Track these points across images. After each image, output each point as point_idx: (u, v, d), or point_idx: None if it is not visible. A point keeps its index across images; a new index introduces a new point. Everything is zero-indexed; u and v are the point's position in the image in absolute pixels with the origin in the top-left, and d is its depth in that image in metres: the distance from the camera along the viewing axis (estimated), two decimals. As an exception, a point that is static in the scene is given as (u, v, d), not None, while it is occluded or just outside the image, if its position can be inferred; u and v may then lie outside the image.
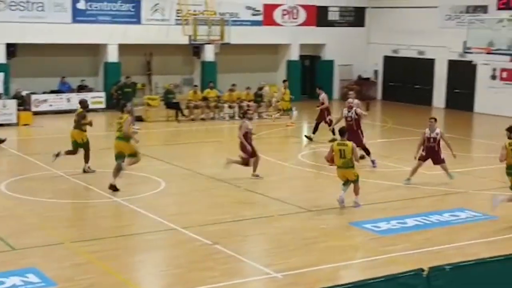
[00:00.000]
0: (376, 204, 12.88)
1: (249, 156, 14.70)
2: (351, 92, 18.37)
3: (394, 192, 13.92)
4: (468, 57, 23.61)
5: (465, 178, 15.19)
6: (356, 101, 17.30)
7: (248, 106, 22.14)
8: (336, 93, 30.13)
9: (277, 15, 28.46)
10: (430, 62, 28.19)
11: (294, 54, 29.17)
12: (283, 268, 9.31)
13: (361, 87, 29.34)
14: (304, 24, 29.08)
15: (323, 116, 19.86)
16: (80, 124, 15.05)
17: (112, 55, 25.48)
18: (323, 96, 20.18)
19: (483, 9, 25.75)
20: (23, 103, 23.14)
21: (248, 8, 27.75)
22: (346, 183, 12.64)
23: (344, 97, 29.72)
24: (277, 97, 25.16)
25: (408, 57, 28.93)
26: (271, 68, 29.68)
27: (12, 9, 23.55)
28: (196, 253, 9.97)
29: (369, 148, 16.41)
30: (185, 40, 24.75)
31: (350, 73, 30.50)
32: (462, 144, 19.91)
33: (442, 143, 14.57)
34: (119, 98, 22.55)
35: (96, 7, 24.93)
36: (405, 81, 28.52)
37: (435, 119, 14.78)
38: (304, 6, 28.98)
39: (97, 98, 25.04)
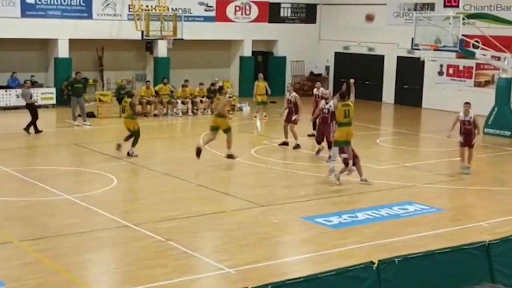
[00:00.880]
0: (328, 199, 13.06)
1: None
2: (318, 83, 19.42)
3: (345, 186, 14.13)
4: (416, 54, 24.04)
5: (413, 172, 15.53)
6: (324, 90, 18.23)
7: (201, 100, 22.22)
8: (288, 89, 30.31)
9: (229, 11, 28.46)
10: (380, 59, 28.65)
11: (246, 50, 29.24)
12: (235, 263, 9.37)
13: (313, 82, 29.68)
14: (256, 20, 29.17)
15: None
16: (133, 113, 16.74)
17: (63, 50, 25.07)
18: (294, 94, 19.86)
19: (431, 6, 26.31)
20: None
21: (201, 4, 27.68)
22: (346, 143, 13.66)
23: (296, 92, 29.93)
24: (230, 93, 25.18)
25: (358, 54, 29.34)
26: (224, 64, 29.68)
27: (-43, 3, 22.95)
28: (149, 250, 9.94)
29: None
30: (137, 36, 24.54)
31: (302, 69, 30.76)
32: (410, 139, 20.36)
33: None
34: (70, 94, 22.23)
35: (45, 2, 24.47)
36: (356, 77, 28.82)
37: (470, 104, 15.54)
38: (256, 3, 29.06)
39: (47, 94, 24.63)
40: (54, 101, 24.68)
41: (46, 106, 24.47)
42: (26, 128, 19.14)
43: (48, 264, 9.27)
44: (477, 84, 25.49)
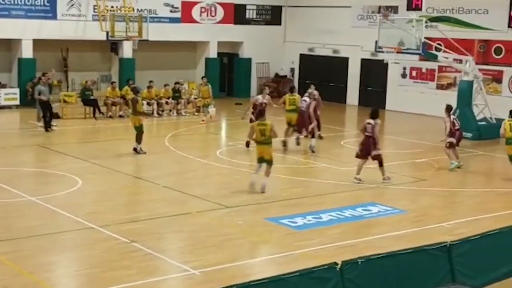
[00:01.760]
0: (293, 200, 13.15)
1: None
2: (266, 87, 19.85)
3: (310, 188, 14.25)
4: (380, 56, 24.34)
5: (376, 174, 15.71)
6: (267, 97, 18.51)
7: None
8: (253, 91, 30.42)
9: (195, 12, 28.41)
10: (344, 61, 28.93)
11: (212, 52, 29.22)
12: (200, 265, 9.39)
13: (278, 84, 29.83)
14: (222, 21, 29.18)
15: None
16: (134, 109, 16.89)
17: (27, 51, 24.73)
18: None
19: (394, 9, 26.68)
20: None
21: (166, 5, 27.58)
22: (261, 161, 13.48)
23: (261, 94, 30.05)
24: (195, 94, 25.16)
25: (323, 56, 29.57)
26: (189, 65, 29.62)
27: None
28: (113, 251, 9.89)
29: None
30: (102, 36, 24.34)
31: (267, 71, 30.88)
32: (375, 141, 20.55)
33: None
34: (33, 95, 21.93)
35: (9, 1, 24.10)
36: (321, 78, 29.09)
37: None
38: (222, 4, 29.07)
39: (10, 95, 24.29)
40: (17, 102, 24.35)
41: (9, 107, 24.12)
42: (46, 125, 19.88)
43: (11, 267, 9.16)
44: (440, 87, 25.93)
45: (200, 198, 13.00)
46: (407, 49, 20.71)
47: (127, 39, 24.83)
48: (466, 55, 21.86)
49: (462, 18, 25.13)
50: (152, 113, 23.73)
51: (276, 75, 30.88)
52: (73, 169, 15.05)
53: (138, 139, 16.84)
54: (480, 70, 22.06)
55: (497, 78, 24.28)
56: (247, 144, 17.55)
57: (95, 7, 25.27)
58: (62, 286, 9.01)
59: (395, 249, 8.72)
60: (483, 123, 21.54)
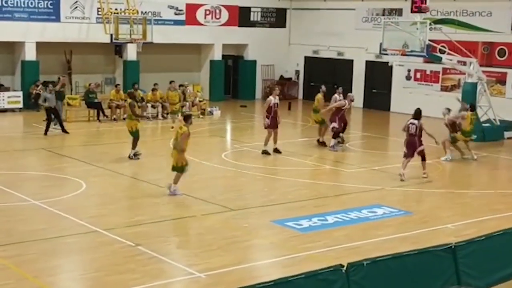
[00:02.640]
0: (298, 202, 13.12)
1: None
2: (340, 88, 19.90)
3: (316, 190, 14.22)
4: (384, 58, 24.30)
5: (381, 175, 15.70)
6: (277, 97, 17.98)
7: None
8: (258, 93, 30.43)
9: (199, 14, 28.44)
10: (349, 63, 28.91)
11: (217, 54, 29.24)
12: (206, 268, 9.36)
13: (283, 87, 29.82)
14: (226, 24, 29.20)
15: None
16: (134, 113, 16.50)
17: (30, 53, 24.77)
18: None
19: (398, 12, 26.65)
20: None
21: (171, 7, 27.61)
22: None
23: (266, 96, 30.07)
24: (200, 97, 25.18)
25: (328, 58, 29.55)
26: (194, 68, 29.65)
27: None
28: (117, 255, 9.87)
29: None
30: (106, 39, 24.36)
31: (272, 73, 30.88)
32: (379, 143, 20.57)
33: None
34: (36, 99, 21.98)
35: (12, 4, 24.17)
36: (325, 81, 29.02)
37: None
38: (226, 7, 29.08)
39: (14, 98, 24.31)
40: (21, 105, 24.38)
41: (12, 110, 24.15)
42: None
43: (15, 271, 9.14)
44: (444, 89, 25.89)
45: (205, 200, 12.99)
46: (412, 51, 20.70)
47: (131, 42, 24.84)
48: (470, 57, 21.82)
49: (465, 20, 25.10)
50: (157, 115, 23.75)
51: (281, 77, 30.87)
52: (77, 172, 15.05)
53: (134, 145, 16.63)
54: (484, 72, 22.03)
55: (501, 80, 24.24)
56: (266, 152, 17.38)
57: (99, 10, 25.30)
58: (66, 289, 8.99)
59: (400, 251, 8.71)
60: (487, 124, 21.50)
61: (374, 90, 28.28)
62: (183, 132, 13.11)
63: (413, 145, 15.33)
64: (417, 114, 15.51)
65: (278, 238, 11.00)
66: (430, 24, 20.96)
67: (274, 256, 10.23)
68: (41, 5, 24.69)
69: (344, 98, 18.89)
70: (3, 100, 24.09)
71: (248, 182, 14.85)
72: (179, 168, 13.27)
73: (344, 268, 7.62)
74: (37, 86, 24.46)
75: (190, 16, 28.12)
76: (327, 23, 29.30)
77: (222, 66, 29.54)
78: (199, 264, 9.51)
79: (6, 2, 24.02)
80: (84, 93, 24.28)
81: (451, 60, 22.12)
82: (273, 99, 17.57)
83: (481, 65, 22.26)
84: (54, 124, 20.39)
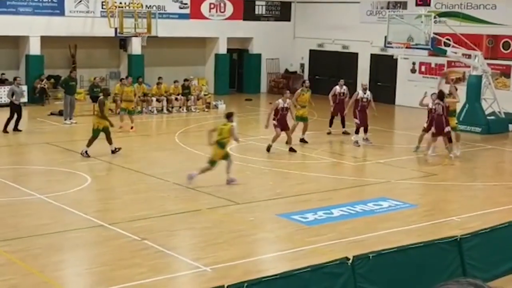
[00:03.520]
0: (304, 195, 13.12)
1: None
2: (342, 80, 20.17)
3: (321, 183, 14.22)
4: (389, 51, 24.25)
5: (387, 168, 15.69)
6: (288, 101, 17.40)
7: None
8: (263, 87, 30.41)
9: (204, 8, 28.40)
10: (354, 56, 28.84)
11: (222, 48, 29.21)
12: (211, 261, 9.38)
13: (288, 80, 29.79)
14: (231, 17, 29.15)
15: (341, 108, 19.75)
16: (101, 111, 16.06)
17: (34, 48, 24.79)
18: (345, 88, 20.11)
19: (403, 5, 26.55)
20: None
21: (175, 1, 27.56)
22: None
23: (271, 90, 30.11)
24: (205, 91, 25.18)
25: (333, 51, 29.48)
26: (199, 61, 29.62)
27: None
28: (123, 249, 9.89)
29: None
30: (111, 33, 24.35)
31: (277, 67, 30.84)
32: (384, 136, 20.54)
33: None
34: (64, 92, 21.90)
35: (16, -2, 24.21)
36: (330, 74, 29.03)
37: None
38: (231, 0, 29.03)
39: (19, 92, 24.30)
40: (25, 99, 24.36)
41: (18, 105, 24.14)
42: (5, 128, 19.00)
43: (20, 266, 9.17)
44: (449, 82, 25.79)
45: (211, 194, 13.00)
46: (416, 44, 20.66)
47: (136, 36, 24.84)
48: (475, 50, 21.75)
49: (470, 13, 24.99)
50: (162, 109, 23.76)
51: (286, 71, 30.83)
52: (82, 166, 15.08)
53: (109, 141, 16.09)
54: (488, 64, 21.97)
55: (506, 73, 24.15)
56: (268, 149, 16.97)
57: (103, 4, 25.29)
58: (72, 284, 9.02)
59: (406, 244, 8.71)
60: (492, 117, 21.45)
61: (379, 83, 28.19)
62: (229, 127, 13.45)
63: (441, 125, 15.86)
64: (442, 96, 16.07)
65: (284, 231, 11.01)
66: (434, 17, 20.91)
67: (280, 249, 10.25)
68: (45, -1, 24.70)
69: (352, 90, 18.86)
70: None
71: (254, 176, 14.85)
72: (225, 157, 13.64)
73: (350, 261, 7.63)
74: (42, 80, 24.52)
75: (194, 10, 28.08)
76: (332, 17, 29.22)
77: (227, 59, 29.52)
78: (205, 258, 9.53)
79: (10, -3, 24.05)
80: (88, 87, 24.30)
81: (456, 53, 22.06)
82: (281, 103, 16.96)
83: (485, 58, 22.18)
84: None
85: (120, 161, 15.69)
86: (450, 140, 15.98)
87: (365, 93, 18.52)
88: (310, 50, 30.50)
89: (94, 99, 23.19)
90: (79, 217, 11.35)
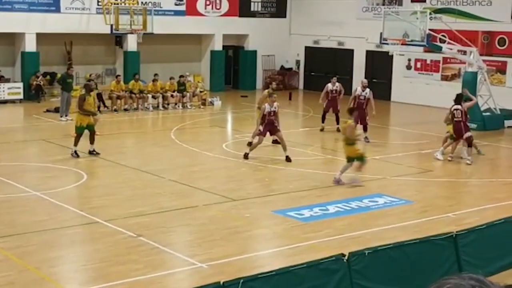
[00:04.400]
0: (299, 192, 13.14)
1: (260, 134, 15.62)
2: (334, 78, 20.05)
3: (317, 180, 14.23)
4: (385, 48, 24.26)
5: (382, 165, 15.71)
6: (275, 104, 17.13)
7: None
8: (259, 83, 30.40)
9: (200, 5, 28.36)
10: (349, 53, 28.85)
11: (217, 44, 29.19)
12: (207, 258, 9.39)
13: (283, 77, 29.80)
14: (227, 14, 29.13)
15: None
16: (80, 107, 15.56)
17: (30, 45, 24.73)
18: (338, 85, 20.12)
19: (398, 1, 26.55)
20: None
21: (171, -3, 27.53)
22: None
23: (267, 86, 30.07)
24: (201, 87, 25.16)
25: (328, 48, 29.50)
26: (194, 58, 29.60)
27: None
28: (119, 246, 9.89)
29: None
30: (106, 30, 24.30)
31: (273, 63, 30.83)
32: (379, 132, 20.56)
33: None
34: (61, 88, 21.83)
35: (12, -5, 24.14)
36: (326, 71, 29.04)
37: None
38: (226, -4, 29.02)
39: (14, 89, 24.29)
40: (21, 96, 24.36)
41: (13, 101, 24.14)
42: None
43: (16, 262, 9.17)
44: (444, 78, 25.85)
45: (207, 191, 13.00)
46: (412, 41, 20.68)
47: (132, 32, 24.80)
48: (470, 46, 21.77)
49: (465, 10, 25.03)
50: (157, 106, 23.75)
51: (282, 67, 30.83)
52: (78, 163, 15.07)
53: (91, 140, 15.65)
54: (484, 61, 21.99)
55: (501, 69, 24.20)
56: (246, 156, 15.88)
57: (99, 0, 25.24)
58: (68, 281, 9.01)
59: (401, 240, 8.72)
60: (488, 113, 21.49)
61: (374, 80, 28.16)
62: (348, 124, 13.64)
63: (460, 131, 15.60)
64: (459, 99, 15.74)
65: (280, 228, 11.03)
66: (430, 13, 20.91)
67: (276, 246, 10.26)
68: (40, -4, 24.63)
69: (347, 87, 18.85)
70: (4, 91, 24.06)
71: (249, 172, 14.86)
72: (360, 158, 13.69)
73: (346, 257, 7.64)
74: (37, 77, 24.48)
75: (190, 7, 28.05)
76: (327, 13, 29.22)
77: (222, 56, 29.50)
78: (201, 255, 9.54)
79: (5, -7, 23.98)
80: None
81: (451, 49, 22.08)
82: (267, 107, 15.65)
83: (481, 54, 22.22)
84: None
85: (116, 158, 15.68)
86: (470, 145, 15.71)
87: (363, 91, 18.44)
88: (306, 47, 30.51)
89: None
90: (75, 213, 11.35)
